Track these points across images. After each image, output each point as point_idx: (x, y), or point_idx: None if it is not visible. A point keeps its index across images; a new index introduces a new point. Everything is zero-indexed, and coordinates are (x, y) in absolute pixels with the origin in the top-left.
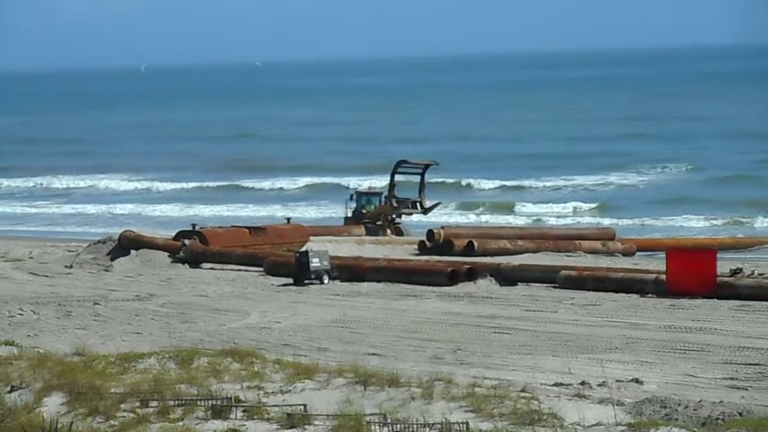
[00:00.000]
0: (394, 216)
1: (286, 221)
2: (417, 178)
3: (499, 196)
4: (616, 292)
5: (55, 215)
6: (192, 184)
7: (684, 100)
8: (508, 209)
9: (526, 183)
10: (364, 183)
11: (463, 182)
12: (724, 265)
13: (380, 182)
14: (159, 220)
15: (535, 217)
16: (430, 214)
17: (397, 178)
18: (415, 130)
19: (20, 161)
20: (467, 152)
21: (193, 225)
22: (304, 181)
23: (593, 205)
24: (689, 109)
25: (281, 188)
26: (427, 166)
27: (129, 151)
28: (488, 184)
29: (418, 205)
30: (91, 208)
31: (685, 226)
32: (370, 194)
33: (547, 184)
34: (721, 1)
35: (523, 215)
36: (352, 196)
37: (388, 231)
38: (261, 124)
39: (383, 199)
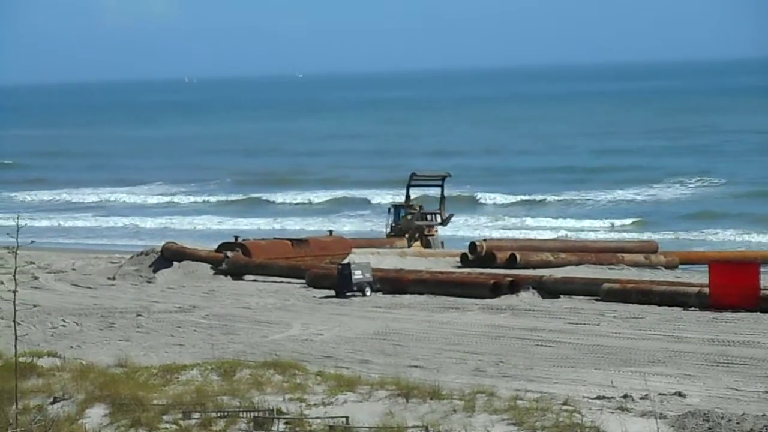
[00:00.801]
0: (425, 227)
1: (328, 233)
2: (435, 191)
3: (534, 211)
4: (659, 305)
5: (97, 228)
6: (227, 197)
7: (711, 114)
8: (544, 223)
9: (561, 197)
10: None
11: (498, 196)
12: (767, 279)
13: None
14: (196, 232)
15: (573, 232)
16: (449, 225)
17: (412, 190)
18: (446, 142)
19: (56, 174)
20: (500, 166)
21: (236, 237)
22: (329, 194)
23: (632, 220)
24: (717, 122)
25: (300, 202)
26: (443, 178)
27: (162, 165)
28: (522, 198)
29: (437, 216)
30: (127, 221)
31: (716, 240)
32: (407, 207)
33: (585, 198)
34: (730, 14)
35: (559, 229)
36: (390, 209)
37: (416, 243)
38: (293, 137)
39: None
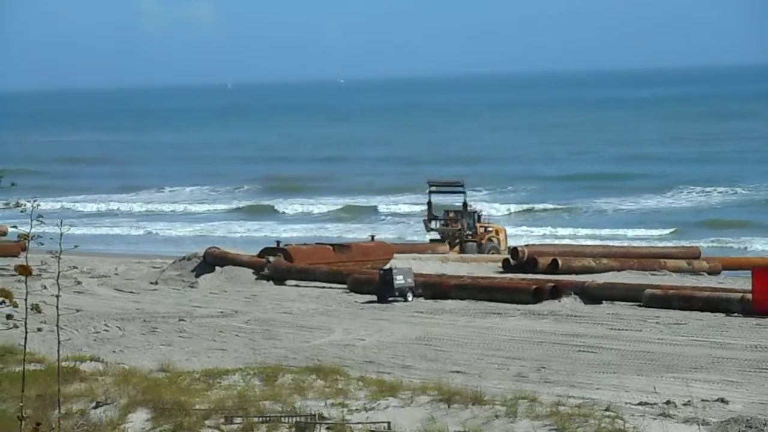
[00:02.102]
0: (467, 233)
1: (370, 238)
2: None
3: (567, 219)
4: (702, 311)
5: (140, 237)
6: (255, 202)
7: (738, 120)
8: (579, 232)
9: (594, 204)
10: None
11: (537, 205)
12: None
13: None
14: (226, 238)
15: (608, 240)
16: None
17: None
18: (476, 149)
19: (94, 181)
20: (529, 173)
21: (278, 242)
22: (346, 202)
23: (671, 230)
24: (744, 128)
25: (306, 211)
26: (461, 185)
27: (187, 171)
28: (554, 206)
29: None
30: (157, 227)
31: (752, 248)
32: (461, 212)
33: (618, 205)
34: (742, 21)
35: (598, 238)
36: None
37: (453, 249)
38: (320, 143)
39: (475, 217)
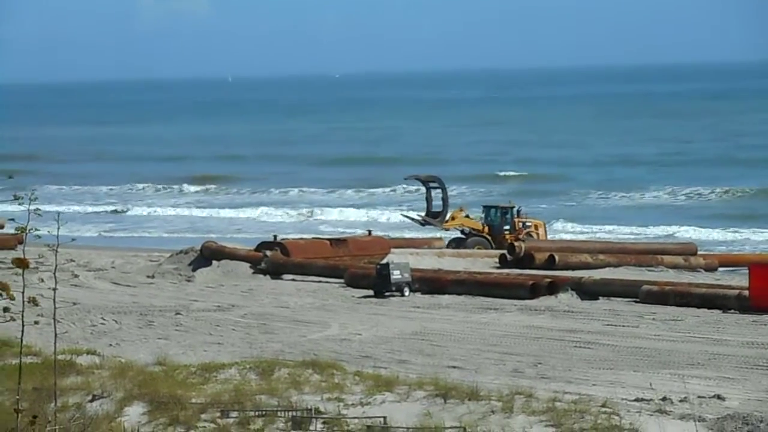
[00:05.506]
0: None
1: (367, 233)
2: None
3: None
4: (698, 307)
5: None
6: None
7: (732, 117)
8: (577, 228)
9: (586, 202)
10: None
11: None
12: None
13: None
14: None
15: (609, 236)
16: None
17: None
18: (417, 147)
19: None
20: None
21: (275, 236)
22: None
23: (668, 229)
24: (738, 127)
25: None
26: (439, 180)
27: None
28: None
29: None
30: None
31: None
32: (497, 208)
33: (613, 203)
34: (723, 17)
35: (598, 233)
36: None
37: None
38: (293, 139)
39: (513, 213)
